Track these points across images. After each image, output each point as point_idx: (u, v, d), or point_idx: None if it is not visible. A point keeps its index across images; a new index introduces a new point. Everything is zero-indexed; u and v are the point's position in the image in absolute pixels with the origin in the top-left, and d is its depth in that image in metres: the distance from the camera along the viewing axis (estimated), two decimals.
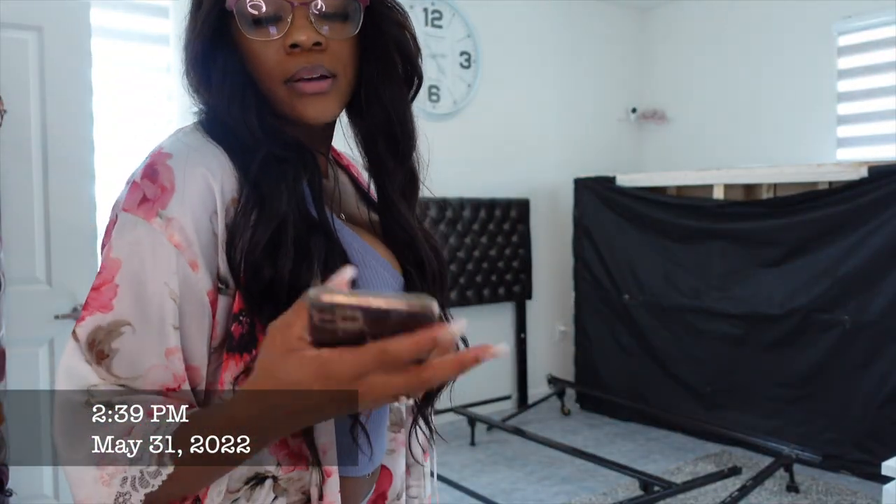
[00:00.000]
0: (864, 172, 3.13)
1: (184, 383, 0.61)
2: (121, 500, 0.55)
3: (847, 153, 4.00)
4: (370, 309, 0.46)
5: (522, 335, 4.41)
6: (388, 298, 0.46)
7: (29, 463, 2.17)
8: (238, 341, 0.63)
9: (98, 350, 0.59)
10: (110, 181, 2.91)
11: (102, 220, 2.34)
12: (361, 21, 0.72)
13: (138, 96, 3.13)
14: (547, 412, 4.29)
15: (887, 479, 2.00)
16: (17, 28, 2.15)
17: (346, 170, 0.91)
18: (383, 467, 0.84)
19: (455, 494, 2.99)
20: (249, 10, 0.67)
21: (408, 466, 0.87)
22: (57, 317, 2.17)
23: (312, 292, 0.47)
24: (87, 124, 2.28)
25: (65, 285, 2.19)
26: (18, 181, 2.14)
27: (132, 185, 0.63)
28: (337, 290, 0.48)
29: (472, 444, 3.70)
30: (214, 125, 0.69)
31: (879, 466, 2.01)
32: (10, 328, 1.99)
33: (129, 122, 3.09)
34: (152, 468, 0.55)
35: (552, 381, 4.30)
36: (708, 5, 4.65)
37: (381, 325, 0.46)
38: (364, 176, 0.91)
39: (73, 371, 0.59)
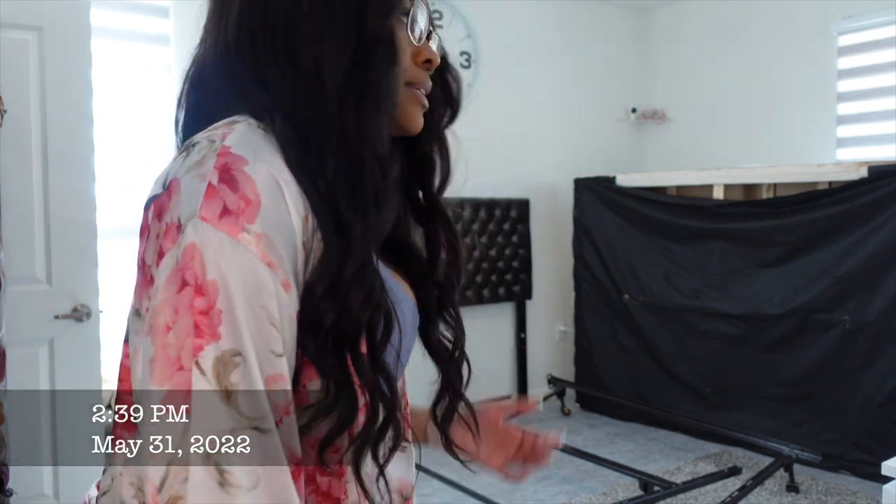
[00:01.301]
0: (864, 172, 3.13)
1: (286, 416, 0.55)
2: None
3: (847, 153, 4.00)
4: None
5: (522, 335, 4.41)
6: None
7: (29, 463, 2.17)
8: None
9: (224, 388, 0.52)
10: (110, 181, 2.92)
11: (102, 220, 2.34)
12: None
13: (138, 96, 3.14)
14: (547, 412, 4.29)
15: (887, 479, 2.00)
16: (17, 28, 2.15)
17: None
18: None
19: (455, 494, 2.98)
20: (420, 12, 0.68)
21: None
22: (57, 317, 2.17)
23: None
24: (87, 124, 2.28)
25: (65, 285, 2.19)
26: (18, 181, 2.14)
27: (209, 188, 0.54)
28: None
29: None
30: (288, 127, 0.60)
31: (879, 466, 2.01)
32: (10, 328, 1.99)
33: (129, 122, 3.10)
34: None
35: (552, 381, 4.30)
36: (708, 5, 4.65)
37: None
38: None
39: (212, 412, 0.52)
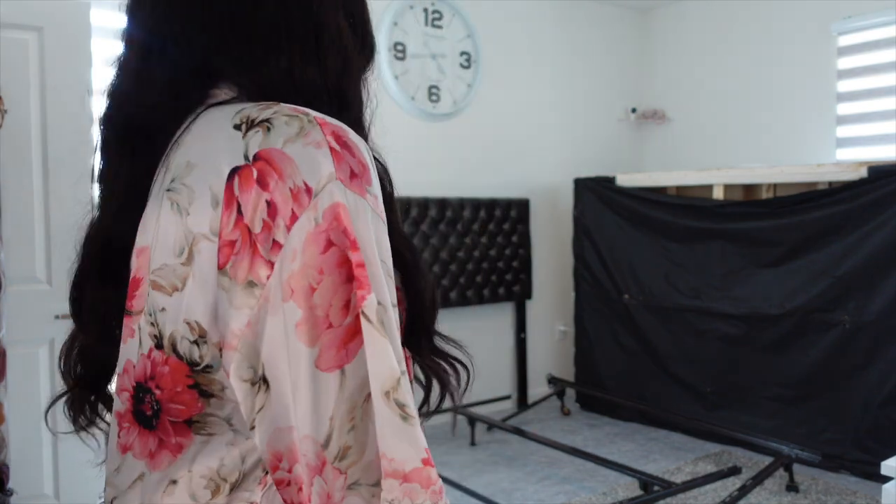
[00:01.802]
0: (863, 172, 3.13)
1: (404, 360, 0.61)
2: None
3: (847, 153, 4.01)
4: None
5: (522, 335, 4.42)
6: None
7: (29, 463, 2.17)
8: None
9: (384, 335, 0.56)
10: None
11: None
12: None
13: None
14: (547, 412, 4.29)
15: (887, 479, 2.00)
16: (17, 28, 2.15)
17: None
18: None
19: (455, 494, 2.99)
20: None
21: None
22: (57, 317, 2.17)
23: None
24: (87, 124, 2.28)
25: (65, 285, 2.19)
26: (18, 181, 2.15)
27: (334, 152, 0.57)
28: None
29: (472, 444, 3.70)
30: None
31: (879, 466, 2.01)
32: (10, 328, 1.99)
33: None
34: None
35: (552, 381, 4.30)
36: (708, 5, 4.65)
37: None
38: None
39: (384, 354, 0.55)
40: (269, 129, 0.58)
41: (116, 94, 0.69)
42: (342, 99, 0.68)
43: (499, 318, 4.36)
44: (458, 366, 0.74)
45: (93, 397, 0.72)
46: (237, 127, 0.59)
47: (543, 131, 4.55)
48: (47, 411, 0.78)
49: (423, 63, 3.99)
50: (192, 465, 0.59)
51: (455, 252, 4.05)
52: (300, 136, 0.57)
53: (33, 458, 2.18)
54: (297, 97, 0.63)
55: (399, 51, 3.91)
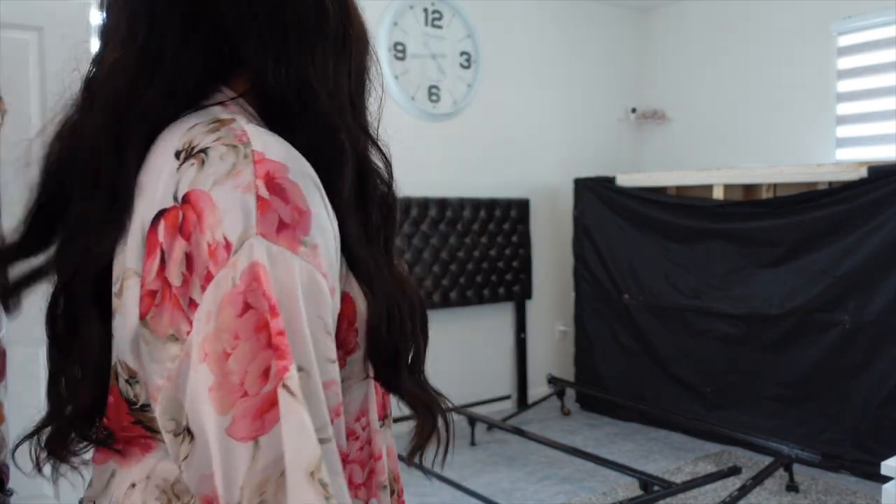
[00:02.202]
0: (863, 172, 3.13)
1: (337, 419, 0.55)
2: None
3: (847, 153, 4.00)
4: None
5: (522, 335, 4.42)
6: None
7: (29, 462, 2.17)
8: None
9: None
10: None
11: None
12: None
13: None
14: (547, 412, 4.29)
15: (887, 479, 2.00)
16: (17, 28, 2.15)
17: None
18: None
19: (455, 494, 2.99)
20: None
21: None
22: None
23: None
24: None
25: None
26: (18, 181, 2.15)
27: (261, 201, 0.51)
28: None
29: (472, 444, 3.70)
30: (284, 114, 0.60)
31: (879, 466, 2.01)
32: (10, 328, 1.99)
33: None
34: None
35: (552, 381, 4.30)
36: (708, 5, 4.65)
37: None
38: None
39: (306, 432, 0.50)
40: (203, 162, 0.53)
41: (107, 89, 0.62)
42: (361, 93, 0.68)
43: (499, 318, 4.36)
44: (434, 410, 0.66)
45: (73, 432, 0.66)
46: (177, 154, 0.55)
47: (543, 131, 4.55)
48: (15, 449, 0.70)
49: (423, 63, 3.99)
50: (154, 470, 0.58)
51: (455, 252, 4.05)
52: (230, 177, 0.51)
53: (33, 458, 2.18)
54: (332, 97, 0.61)
55: (399, 51, 3.91)
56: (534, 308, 4.50)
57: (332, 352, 0.54)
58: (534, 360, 4.50)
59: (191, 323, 0.51)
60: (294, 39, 0.60)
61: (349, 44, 0.64)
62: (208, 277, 0.50)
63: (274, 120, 0.61)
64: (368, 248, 0.62)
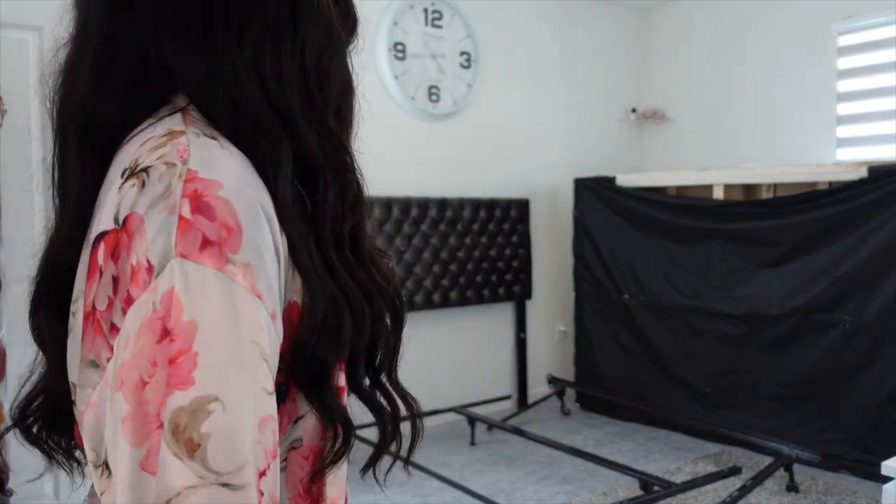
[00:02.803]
0: (863, 172, 3.13)
1: (272, 462, 0.49)
2: None
3: (847, 153, 4.00)
4: None
5: (522, 335, 4.42)
6: None
7: (29, 463, 2.17)
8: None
9: (187, 439, 0.45)
10: None
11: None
12: None
13: None
14: (547, 412, 4.29)
15: (887, 479, 2.00)
16: (17, 28, 2.15)
17: None
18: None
19: (455, 494, 2.99)
20: None
21: None
22: None
23: None
24: None
25: None
26: (18, 181, 2.15)
27: (182, 221, 0.48)
28: None
29: (472, 444, 3.70)
30: (231, 115, 0.56)
31: (879, 466, 2.01)
32: (10, 328, 1.99)
33: None
34: None
35: (552, 381, 4.30)
36: (708, 5, 4.65)
37: None
38: None
39: (165, 468, 0.45)
40: (143, 183, 0.50)
41: (70, 92, 0.58)
42: (324, 83, 0.60)
43: (499, 318, 4.36)
44: (385, 419, 0.63)
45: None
46: (123, 173, 0.52)
47: (543, 131, 4.55)
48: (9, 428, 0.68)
49: (423, 63, 3.99)
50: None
51: (455, 252, 4.05)
52: (162, 199, 0.49)
53: (33, 458, 2.18)
54: (268, 91, 0.56)
55: (399, 51, 3.91)
56: (534, 308, 4.50)
57: (268, 381, 0.49)
58: (534, 360, 4.50)
59: (111, 349, 0.49)
60: (215, 27, 0.55)
61: (300, 28, 0.58)
62: (129, 301, 0.48)
63: (218, 123, 0.56)
64: (320, 253, 0.57)
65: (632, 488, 2.98)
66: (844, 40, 4.00)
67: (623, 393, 4.07)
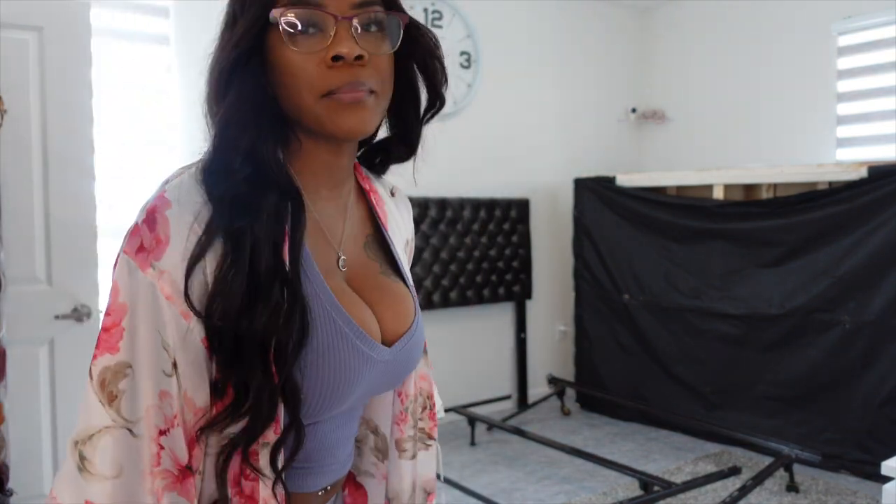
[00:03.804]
0: (863, 173, 3.13)
1: (173, 428, 0.63)
2: None
3: (847, 153, 4.00)
4: None
5: (522, 335, 4.41)
6: None
7: (29, 463, 2.17)
8: (214, 385, 0.66)
9: (108, 391, 0.62)
10: (110, 181, 2.91)
11: (102, 220, 2.34)
12: (400, 39, 0.72)
13: (138, 96, 3.14)
14: (547, 412, 4.29)
15: (887, 479, 2.00)
16: (17, 28, 2.15)
17: (367, 196, 0.88)
18: (360, 486, 0.86)
19: (455, 494, 2.99)
20: (293, 20, 0.66)
21: (389, 499, 0.86)
22: (57, 317, 2.17)
23: None
24: (87, 124, 2.28)
25: (65, 285, 2.19)
26: (18, 181, 2.15)
27: (134, 228, 0.65)
28: None
29: (472, 444, 3.70)
30: (209, 163, 0.69)
31: (879, 466, 2.01)
32: (10, 328, 1.99)
33: (128, 123, 3.10)
34: None
35: (552, 381, 4.30)
36: (708, 5, 4.65)
37: None
38: (385, 202, 0.92)
39: (90, 410, 0.63)
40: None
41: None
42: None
43: (499, 318, 4.36)
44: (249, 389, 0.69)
45: None
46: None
47: (543, 131, 4.55)
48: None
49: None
50: None
51: (455, 252, 4.05)
52: (145, 206, 0.66)
53: (33, 458, 2.18)
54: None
55: None
56: (534, 308, 4.50)
57: (167, 365, 0.63)
58: (534, 360, 4.50)
59: None
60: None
61: (238, 17, 0.70)
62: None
63: None
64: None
65: (632, 488, 2.98)
66: (844, 40, 4.00)
67: (623, 393, 4.07)
